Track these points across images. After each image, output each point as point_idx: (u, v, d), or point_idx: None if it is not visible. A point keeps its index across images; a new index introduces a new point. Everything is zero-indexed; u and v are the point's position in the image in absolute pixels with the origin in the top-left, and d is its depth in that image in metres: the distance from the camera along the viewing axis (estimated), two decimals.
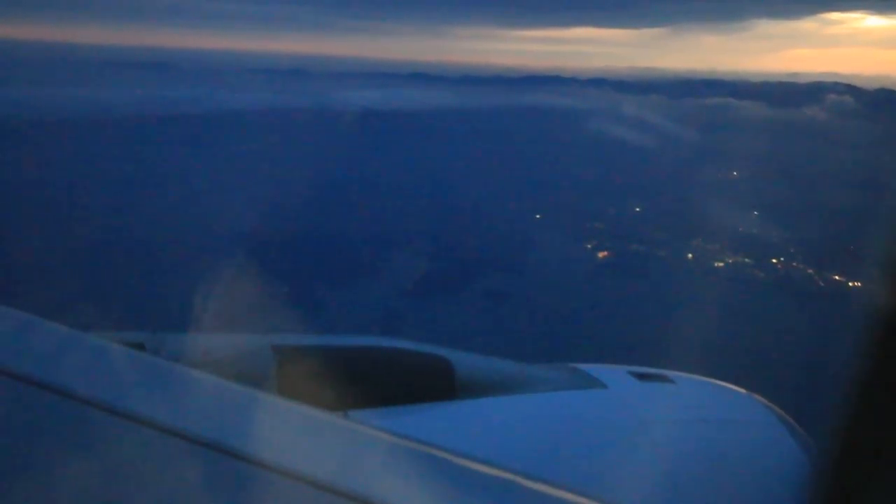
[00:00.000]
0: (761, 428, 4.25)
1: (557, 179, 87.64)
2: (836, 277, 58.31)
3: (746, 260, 62.78)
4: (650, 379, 4.60)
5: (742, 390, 4.59)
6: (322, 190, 77.08)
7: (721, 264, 62.11)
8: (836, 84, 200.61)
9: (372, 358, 4.29)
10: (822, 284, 58.16)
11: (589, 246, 65.35)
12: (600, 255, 63.83)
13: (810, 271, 60.48)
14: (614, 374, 4.64)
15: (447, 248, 62.22)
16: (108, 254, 53.52)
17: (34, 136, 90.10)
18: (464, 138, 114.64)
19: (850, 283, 57.14)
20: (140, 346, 3.36)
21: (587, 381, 4.49)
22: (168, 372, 2.56)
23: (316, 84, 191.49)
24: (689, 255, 64.03)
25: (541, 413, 4.18)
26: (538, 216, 73.82)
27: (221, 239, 57.57)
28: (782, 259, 62.88)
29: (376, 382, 3.92)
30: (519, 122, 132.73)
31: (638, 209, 76.93)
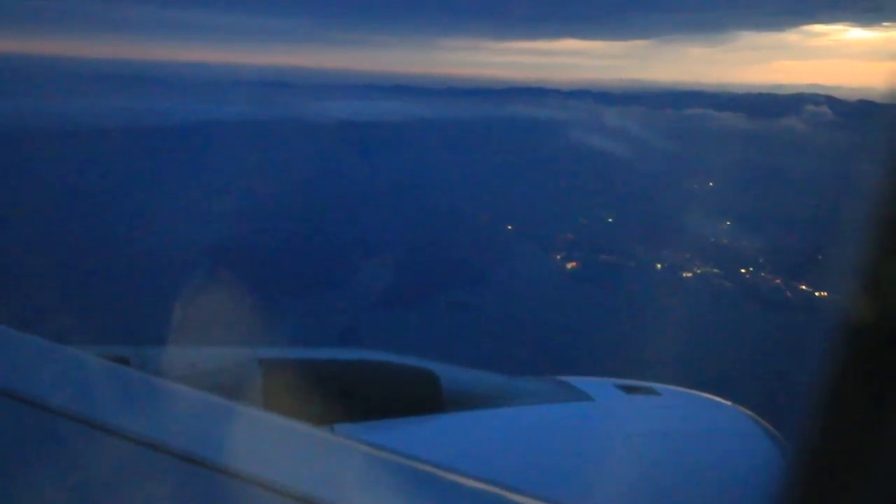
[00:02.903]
0: (747, 440, 4.20)
1: (533, 190, 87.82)
2: (803, 287, 58.49)
3: (715, 270, 62.93)
4: (636, 391, 4.55)
5: (727, 402, 4.50)
6: (298, 201, 77.03)
7: (689, 274, 62.25)
8: (816, 95, 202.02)
9: (358, 371, 4.21)
10: (789, 294, 58.32)
11: (558, 256, 65.45)
12: (569, 265, 63.89)
13: (777, 281, 60.62)
14: (600, 387, 4.57)
15: (416, 259, 62.15)
16: (88, 265, 53.33)
17: (14, 147, 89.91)
18: (443, 149, 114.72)
19: (817, 293, 57.38)
20: (124, 361, 3.29)
21: (573, 394, 4.44)
22: (152, 386, 2.52)
23: (298, 96, 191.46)
24: (658, 266, 64.17)
25: (527, 426, 4.12)
26: (510, 227, 73.88)
27: (199, 249, 57.46)
28: (751, 269, 63.06)
29: (362, 396, 3.87)
30: (499, 134, 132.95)
31: (611, 220, 77.11)
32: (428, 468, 2.12)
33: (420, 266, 60.60)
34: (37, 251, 51.87)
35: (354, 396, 3.77)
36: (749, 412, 4.38)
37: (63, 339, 2.55)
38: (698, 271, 62.89)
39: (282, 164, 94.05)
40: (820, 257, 63.58)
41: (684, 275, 61.98)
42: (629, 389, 4.54)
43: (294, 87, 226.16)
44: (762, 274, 62.32)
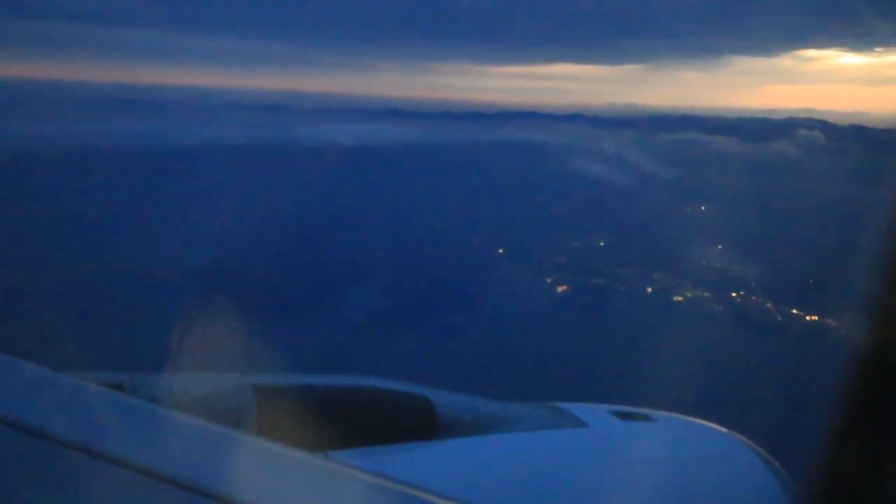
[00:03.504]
0: (742, 466, 4.25)
1: (525, 214, 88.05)
2: (794, 311, 58.51)
3: (705, 294, 62.90)
4: (631, 418, 4.60)
5: (723, 429, 4.58)
6: (290, 224, 77.11)
7: (680, 298, 62.23)
8: (809, 120, 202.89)
9: (353, 397, 4.27)
10: (779, 318, 58.33)
11: (549, 280, 65.41)
12: (559, 289, 63.87)
13: (768, 305, 60.58)
14: (595, 413, 4.64)
15: (407, 282, 62.33)
16: (84, 289, 53.34)
17: (12, 169, 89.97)
18: (436, 173, 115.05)
19: (808, 317, 57.42)
20: (119, 387, 3.36)
21: (568, 420, 4.49)
22: (147, 413, 2.54)
23: (290, 119, 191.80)
24: (649, 289, 64.17)
25: (522, 452, 4.19)
26: (501, 250, 73.87)
27: (192, 272, 57.60)
28: (742, 293, 63.04)
29: (357, 422, 3.91)
30: (491, 158, 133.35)
31: (602, 243, 77.18)
32: (423, 494, 2.14)
33: (410, 289, 60.72)
34: (33, 275, 51.91)
35: (350, 422, 3.82)
36: (745, 438, 4.43)
37: (58, 366, 2.57)
38: (689, 295, 62.89)
39: (275, 187, 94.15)
40: (812, 281, 63.76)
41: (675, 298, 61.99)
42: (624, 416, 4.61)
43: (288, 110, 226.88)
44: (753, 298, 62.33)
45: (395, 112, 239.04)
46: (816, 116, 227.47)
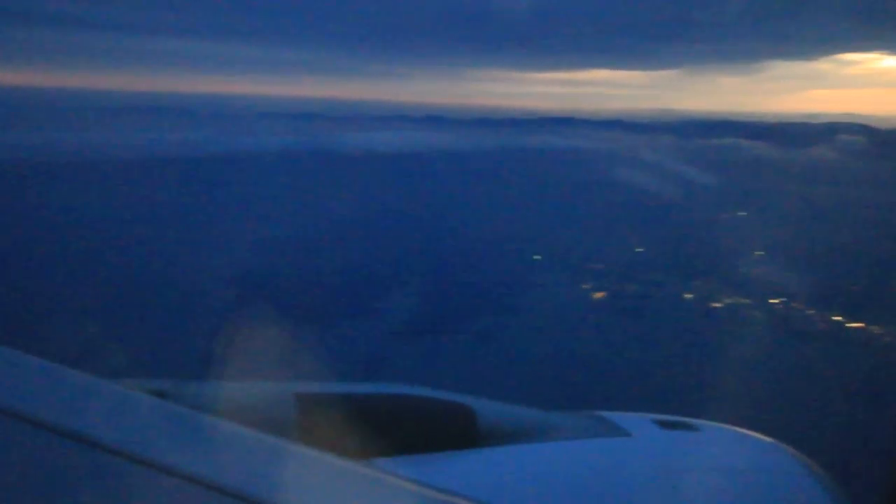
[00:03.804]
0: (790, 478, 4.16)
1: (562, 220, 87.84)
2: (836, 318, 57.68)
3: (745, 300, 62.15)
4: (674, 427, 4.54)
5: (769, 439, 4.51)
6: (327, 231, 77.62)
7: (719, 305, 61.49)
8: (850, 124, 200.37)
9: (394, 405, 4.26)
10: (821, 325, 57.43)
11: (586, 286, 65.02)
12: (596, 295, 63.42)
13: (810, 312, 59.70)
14: (638, 422, 4.59)
15: (443, 289, 62.30)
16: (121, 297, 53.86)
17: (51, 179, 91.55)
18: (473, 180, 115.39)
19: (850, 324, 56.62)
20: (161, 394, 3.33)
21: (611, 429, 4.45)
22: (191, 420, 2.52)
23: (330, 127, 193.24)
24: (687, 296, 63.54)
25: (564, 461, 4.13)
26: (537, 257, 73.67)
27: (229, 280, 57.93)
28: (782, 299, 62.18)
29: (399, 430, 3.90)
30: (528, 164, 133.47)
31: (640, 250, 76.66)
32: (464, 503, 2.16)
33: (447, 296, 60.70)
34: (71, 283, 52.61)
35: (391, 431, 3.78)
36: (792, 449, 4.31)
37: (101, 373, 2.53)
38: (728, 301, 62.14)
39: (312, 194, 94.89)
40: (854, 288, 62.91)
41: (713, 305, 61.31)
42: (667, 425, 4.53)
43: (326, 118, 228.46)
44: (794, 304, 61.44)
45: (432, 119, 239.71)
46: (858, 121, 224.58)
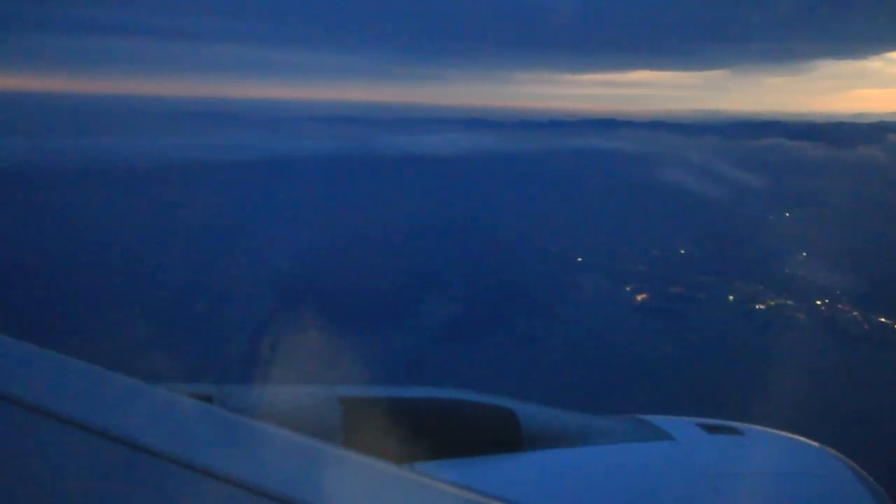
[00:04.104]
0: (837, 483, 4.12)
1: (605, 222, 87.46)
2: (882, 320, 57.04)
3: (789, 302, 61.63)
4: (718, 431, 4.50)
5: (814, 443, 4.45)
6: (371, 234, 78.01)
7: (762, 306, 61.01)
8: None
9: (437, 409, 4.25)
10: (867, 327, 56.78)
11: (628, 288, 64.79)
12: (638, 297, 63.22)
13: (855, 313, 59.06)
14: (682, 426, 4.56)
15: (486, 292, 62.18)
16: (174, 301, 54.46)
17: (101, 183, 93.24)
18: (516, 182, 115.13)
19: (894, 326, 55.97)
20: (207, 399, 3.38)
21: (654, 433, 4.43)
22: (235, 424, 2.55)
23: (374, 131, 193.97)
24: (730, 297, 63.14)
25: (608, 466, 4.11)
26: (580, 259, 73.61)
27: (271, 283, 58.39)
28: (827, 301, 61.56)
29: (442, 434, 3.90)
30: (572, 166, 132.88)
31: (682, 251, 76.29)
32: None
33: (489, 299, 60.62)
34: (119, 286, 53.53)
35: (434, 434, 3.78)
36: (839, 454, 4.30)
37: (148, 377, 2.58)
38: (772, 303, 61.61)
39: (357, 197, 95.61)
40: None
41: (757, 307, 60.85)
42: (711, 429, 4.51)
43: (370, 122, 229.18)
44: (839, 306, 60.81)
45: (476, 121, 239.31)
46: None
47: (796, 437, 4.59)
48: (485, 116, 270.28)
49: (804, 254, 74.12)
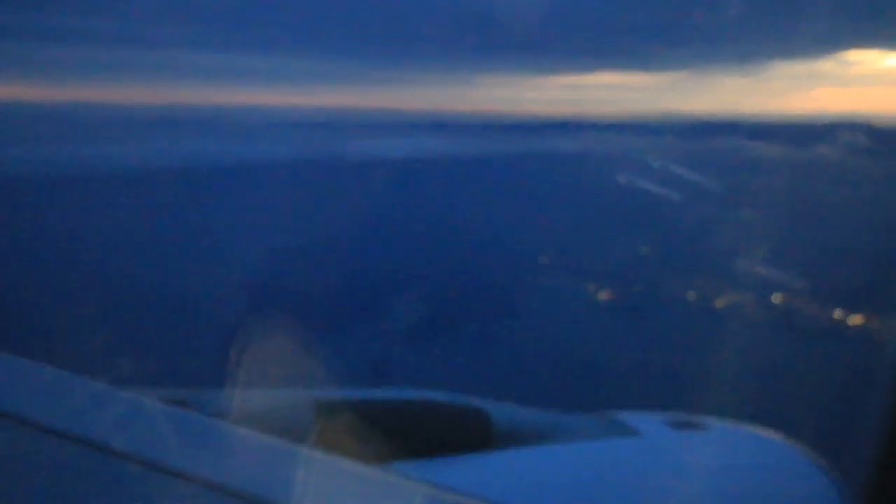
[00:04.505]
0: (799, 474, 4.22)
1: (567, 223, 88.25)
2: (839, 315, 58.36)
3: (749, 299, 62.89)
4: (684, 425, 4.57)
5: (779, 436, 4.55)
6: (337, 238, 78.06)
7: (723, 303, 62.30)
8: (853, 123, 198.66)
9: (410, 410, 4.29)
10: (825, 322, 58.15)
11: (591, 288, 65.84)
12: (602, 296, 64.30)
13: (813, 309, 60.44)
14: (647, 422, 4.65)
15: (449, 293, 62.70)
16: (134, 307, 54.12)
17: (69, 191, 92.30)
18: (479, 185, 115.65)
19: (853, 322, 57.26)
20: (181, 403, 3.34)
21: (621, 430, 4.52)
22: (209, 428, 2.56)
23: (335, 136, 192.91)
24: (691, 294, 64.36)
25: (574, 463, 4.17)
26: (545, 259, 74.41)
27: (242, 290, 58.25)
28: (786, 297, 62.88)
29: (415, 434, 3.92)
30: (534, 168, 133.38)
31: (644, 251, 77.37)
32: None
33: (452, 300, 61.15)
34: (88, 293, 53.28)
35: (407, 435, 3.81)
36: (803, 446, 4.44)
37: (121, 383, 2.61)
38: (732, 300, 62.88)
39: (324, 202, 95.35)
40: (856, 285, 63.35)
41: (717, 304, 62.07)
42: (677, 424, 4.62)
43: (332, 127, 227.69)
44: (798, 302, 62.15)
45: (438, 125, 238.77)
46: (861, 120, 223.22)
47: (761, 430, 4.75)
48: (448, 120, 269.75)
49: (763, 253, 75.30)
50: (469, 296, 62.21)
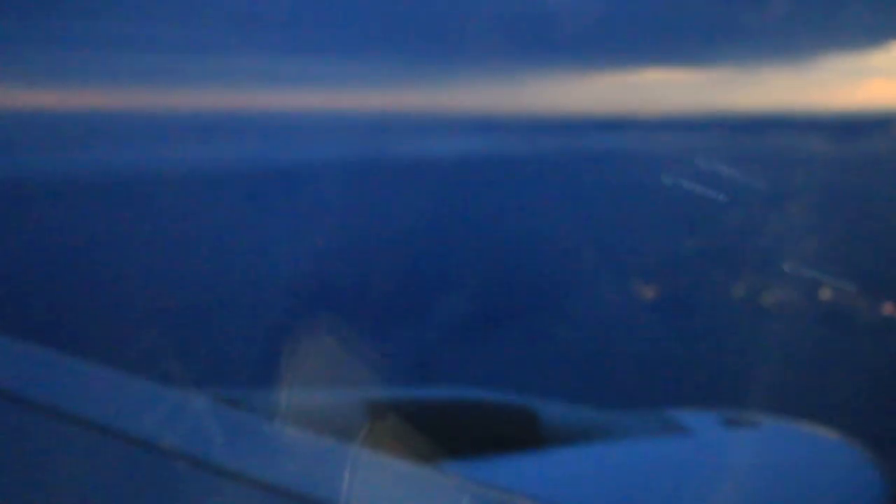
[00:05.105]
0: (850, 470, 4.10)
1: (614, 221, 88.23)
2: (889, 310, 57.86)
3: (796, 294, 62.52)
4: (736, 423, 4.40)
5: (832, 433, 4.33)
6: (390, 239, 78.84)
7: (771, 300, 61.98)
8: None
9: (458, 409, 4.25)
10: (878, 319, 57.70)
11: (637, 285, 65.85)
12: (646, 292, 64.34)
13: (862, 305, 59.96)
14: (700, 419, 4.49)
15: (491, 291, 62.84)
16: (188, 311, 55.11)
17: (124, 193, 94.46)
18: (528, 184, 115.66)
19: None
20: (234, 403, 3.40)
21: (673, 428, 4.38)
22: (260, 427, 2.60)
23: (384, 137, 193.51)
24: (738, 291, 64.13)
25: (627, 462, 4.12)
26: (589, 257, 74.53)
27: (294, 291, 59.03)
28: (836, 293, 62.41)
29: (464, 433, 3.89)
30: (580, 167, 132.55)
31: (692, 249, 77.16)
32: None
33: (499, 298, 61.36)
34: (141, 294, 54.53)
35: (457, 434, 3.78)
36: (852, 441, 4.23)
37: (175, 382, 2.58)
38: (780, 296, 62.55)
39: (368, 202, 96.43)
40: None
41: (765, 300, 61.78)
42: (730, 421, 4.45)
43: (382, 128, 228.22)
44: (847, 299, 61.66)
45: (488, 125, 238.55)
46: None
47: (812, 427, 4.57)
48: (497, 120, 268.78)
49: (811, 247, 74.66)
50: (516, 294, 62.54)
